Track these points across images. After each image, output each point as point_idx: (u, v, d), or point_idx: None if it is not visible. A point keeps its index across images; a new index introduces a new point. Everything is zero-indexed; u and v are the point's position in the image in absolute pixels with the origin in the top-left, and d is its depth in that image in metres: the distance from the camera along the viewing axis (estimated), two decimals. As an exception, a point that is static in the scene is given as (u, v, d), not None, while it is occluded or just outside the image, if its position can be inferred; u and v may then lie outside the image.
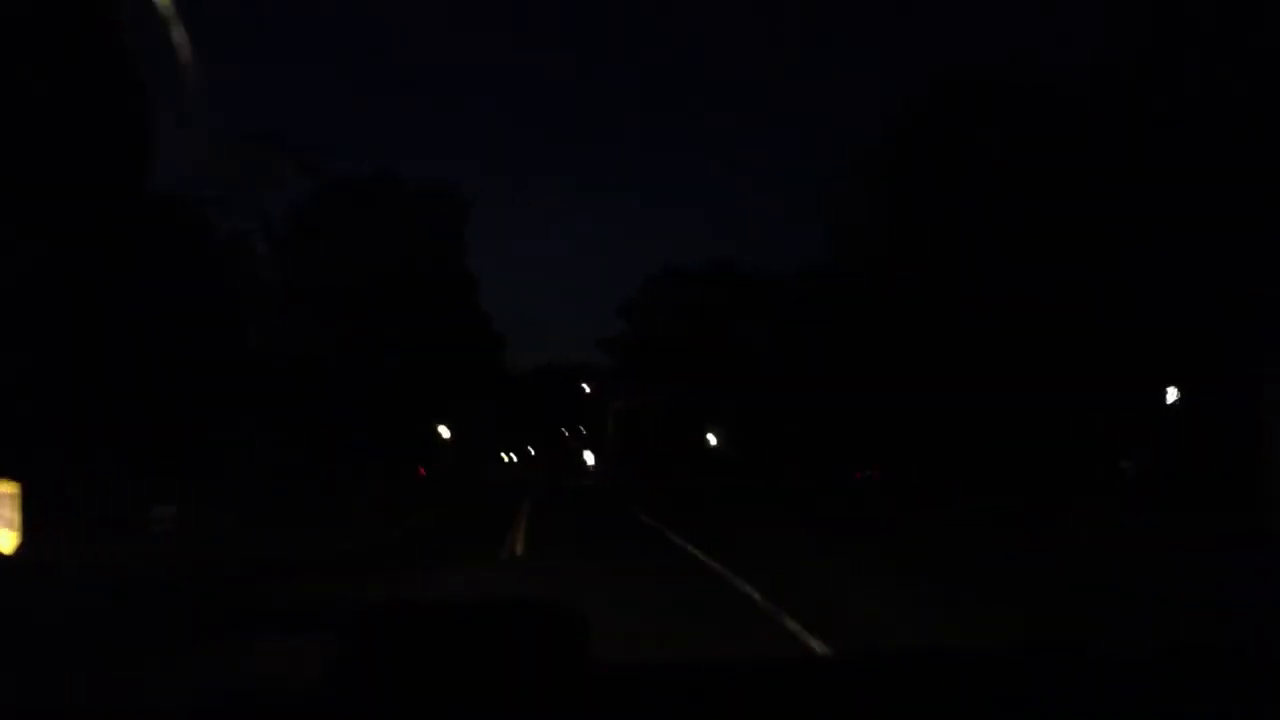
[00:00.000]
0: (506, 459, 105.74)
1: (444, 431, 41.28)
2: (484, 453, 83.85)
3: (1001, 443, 24.88)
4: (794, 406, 42.80)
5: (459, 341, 41.53)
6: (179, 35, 26.74)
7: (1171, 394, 20.97)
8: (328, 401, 33.17)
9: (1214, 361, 20.18)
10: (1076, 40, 24.22)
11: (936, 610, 8.37)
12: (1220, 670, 1.55)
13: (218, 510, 17.57)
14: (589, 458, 73.05)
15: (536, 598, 1.51)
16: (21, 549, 11.09)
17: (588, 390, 60.05)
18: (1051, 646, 2.02)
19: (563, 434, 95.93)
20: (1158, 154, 20.86)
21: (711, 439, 48.54)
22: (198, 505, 16.74)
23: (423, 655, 1.39)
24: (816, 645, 6.56)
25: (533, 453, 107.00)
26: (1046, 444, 23.75)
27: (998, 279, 23.80)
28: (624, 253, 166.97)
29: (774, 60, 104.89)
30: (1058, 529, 16.60)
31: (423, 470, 41.66)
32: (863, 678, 1.59)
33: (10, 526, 11.08)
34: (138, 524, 14.19)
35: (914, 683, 1.50)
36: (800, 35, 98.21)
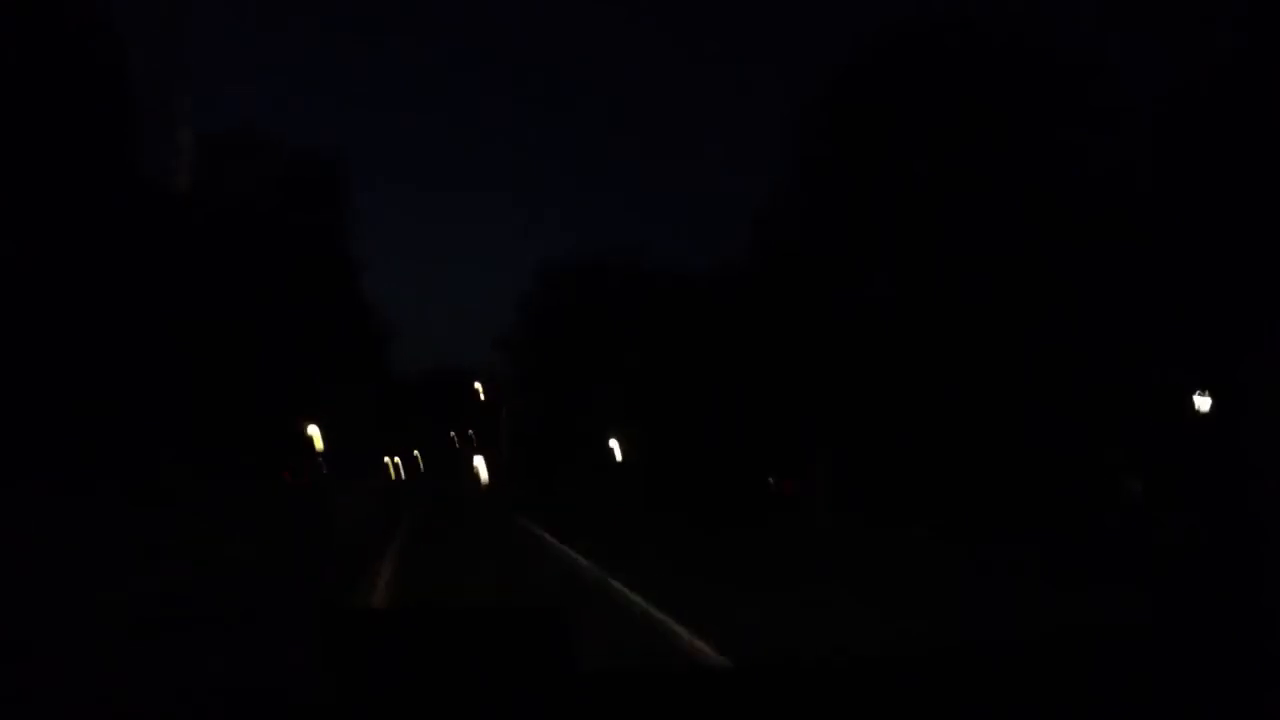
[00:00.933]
0: (392, 465, 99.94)
1: (314, 432, 36.29)
2: (365, 458, 78.18)
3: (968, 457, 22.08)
4: (710, 412, 39.98)
5: (335, 328, 36.82)
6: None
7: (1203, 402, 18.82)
8: (182, 385, 28.31)
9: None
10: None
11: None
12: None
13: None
14: (481, 465, 68.41)
15: (524, 604, 1.84)
16: None
17: (480, 392, 55.43)
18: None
19: (453, 440, 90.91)
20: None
21: (615, 445, 45.07)
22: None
23: (411, 659, 1.35)
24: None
25: (420, 460, 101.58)
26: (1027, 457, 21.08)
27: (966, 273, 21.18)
28: (529, 257, 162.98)
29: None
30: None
31: (289, 475, 36.66)
32: (844, 681, 1.53)
33: None
34: None
35: (896, 686, 1.49)
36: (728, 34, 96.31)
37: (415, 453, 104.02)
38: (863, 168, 23.84)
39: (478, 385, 55.37)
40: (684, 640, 7.22)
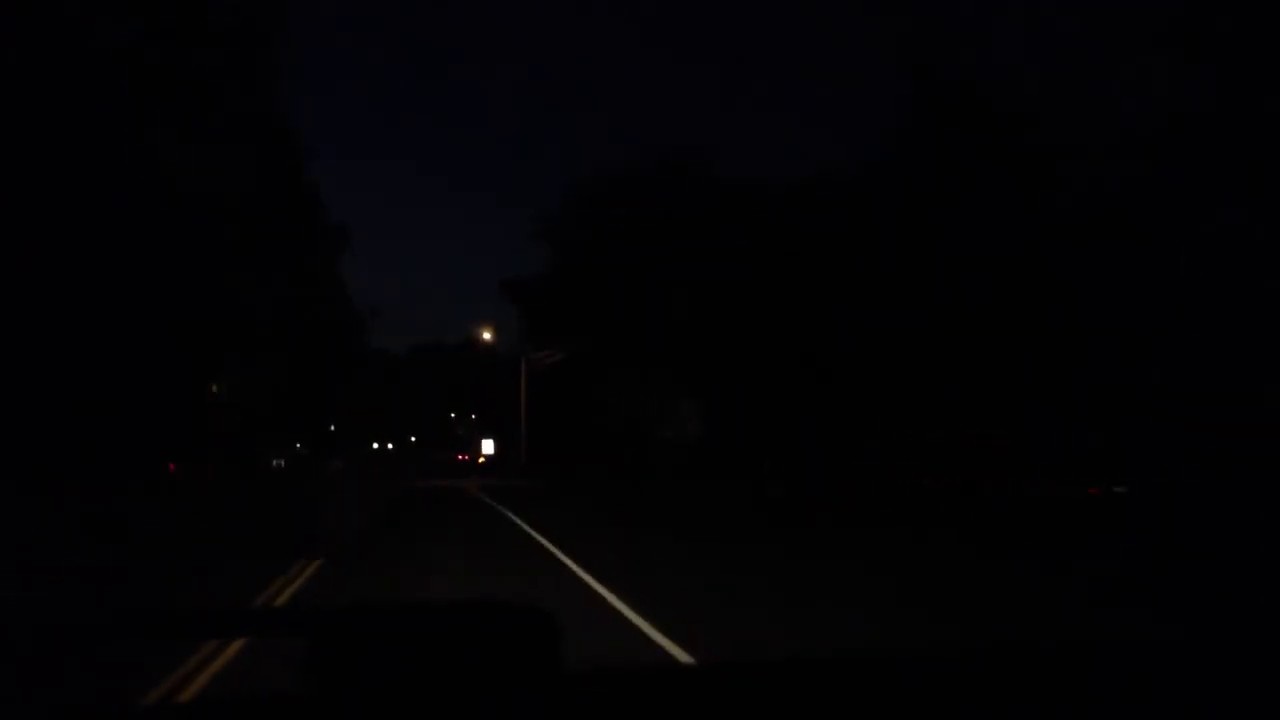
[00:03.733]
0: (378, 448, 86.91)
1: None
2: (341, 439, 65.02)
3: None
4: (814, 366, 27.49)
5: (265, 234, 23.53)
6: None
7: None
8: None
9: None
10: None
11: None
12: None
13: None
14: (488, 446, 55.03)
15: (507, 600, 1.45)
16: None
17: (488, 339, 41.86)
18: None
19: (453, 419, 77.80)
20: None
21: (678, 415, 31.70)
22: None
23: (391, 657, 1.34)
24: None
25: (414, 441, 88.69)
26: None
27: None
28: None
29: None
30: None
31: (173, 467, 23.45)
32: (845, 680, 1.50)
33: None
34: None
35: (906, 685, 1.46)
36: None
37: (411, 437, 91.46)
38: None
39: (486, 335, 41.73)
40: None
